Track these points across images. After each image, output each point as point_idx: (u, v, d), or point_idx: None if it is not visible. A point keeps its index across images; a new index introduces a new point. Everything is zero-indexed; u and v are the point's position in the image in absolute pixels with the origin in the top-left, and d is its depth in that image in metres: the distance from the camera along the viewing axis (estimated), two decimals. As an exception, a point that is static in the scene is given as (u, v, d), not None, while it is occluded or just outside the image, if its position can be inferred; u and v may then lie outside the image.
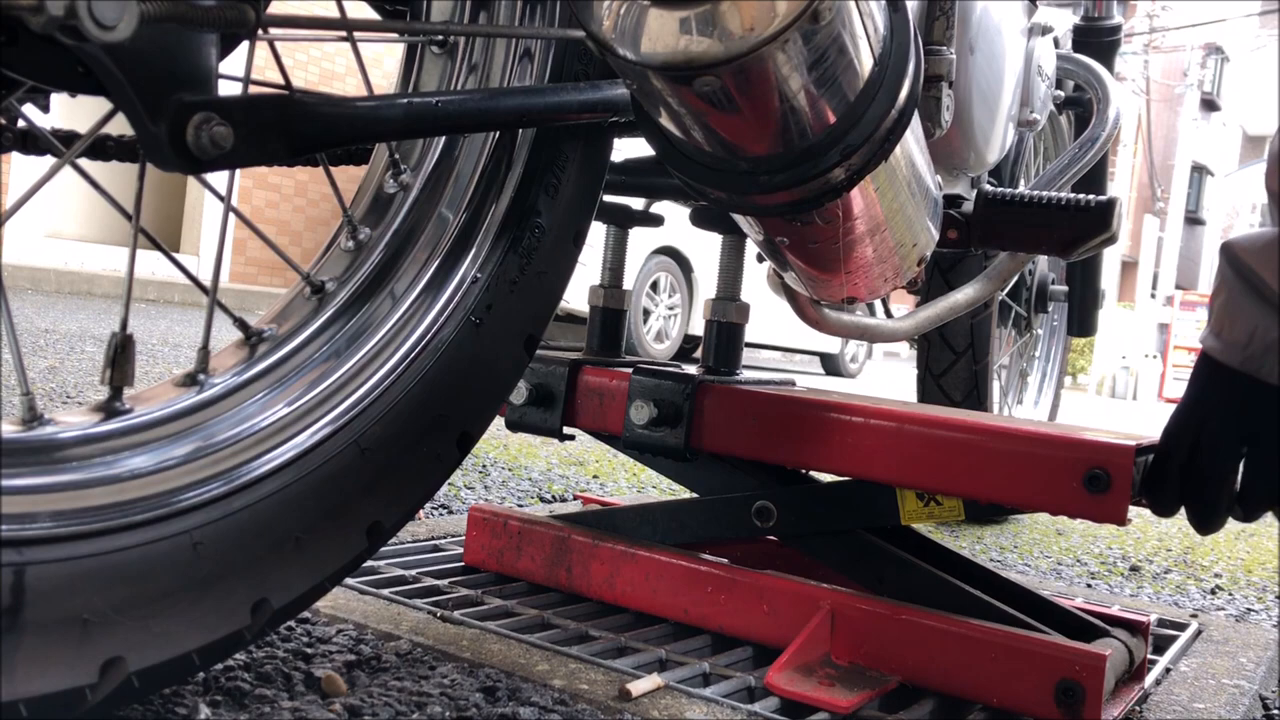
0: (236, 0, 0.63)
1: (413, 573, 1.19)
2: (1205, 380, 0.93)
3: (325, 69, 10.43)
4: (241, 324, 0.81)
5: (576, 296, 5.48)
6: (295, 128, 0.69)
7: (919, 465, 0.98)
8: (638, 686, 0.90)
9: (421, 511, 1.58)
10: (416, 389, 0.84)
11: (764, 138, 0.67)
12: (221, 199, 0.78)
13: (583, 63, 0.92)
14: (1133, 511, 0.92)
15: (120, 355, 0.70)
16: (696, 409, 1.09)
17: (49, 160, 0.78)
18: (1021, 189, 1.24)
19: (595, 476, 2.27)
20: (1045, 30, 1.32)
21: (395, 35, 0.98)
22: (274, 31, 0.73)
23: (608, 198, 1.28)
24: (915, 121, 0.80)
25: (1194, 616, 1.45)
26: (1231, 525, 2.60)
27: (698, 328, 7.47)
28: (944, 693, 0.97)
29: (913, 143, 0.81)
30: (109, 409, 0.70)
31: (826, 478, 1.09)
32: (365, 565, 1.17)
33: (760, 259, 1.01)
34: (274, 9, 0.74)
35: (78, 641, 0.62)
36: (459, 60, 0.93)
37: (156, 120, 0.63)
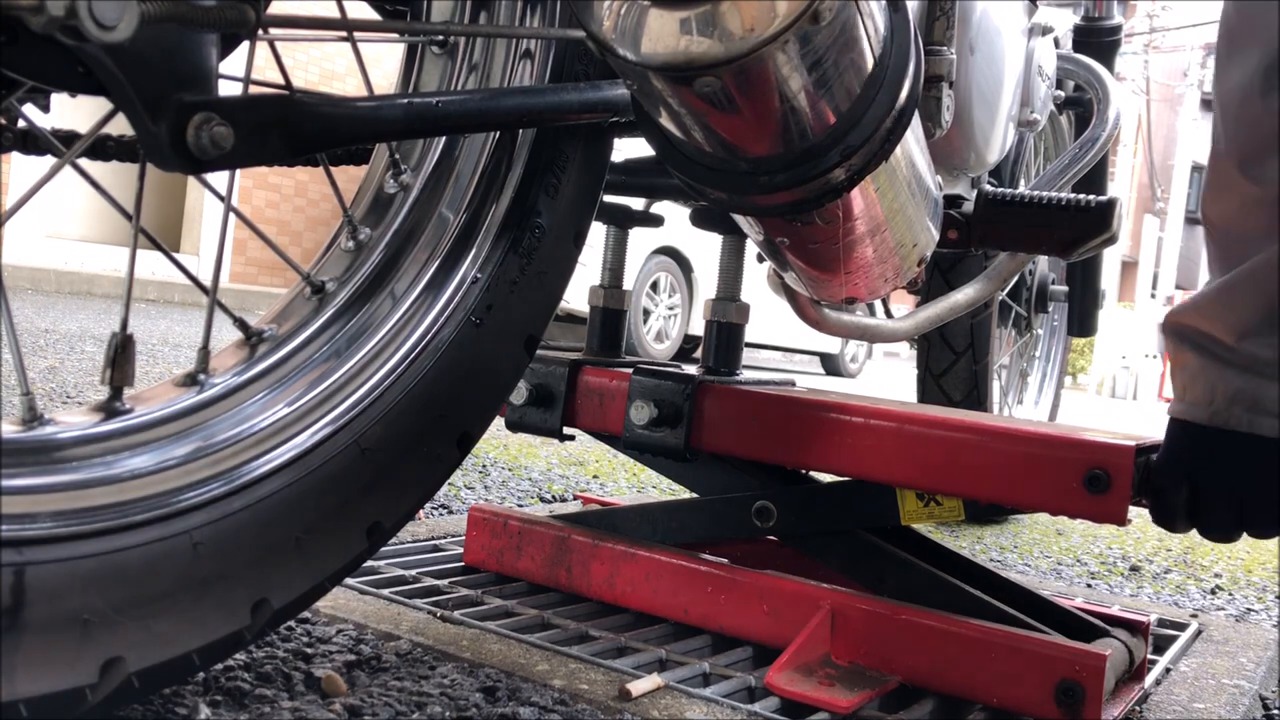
0: (236, 0, 0.63)
1: (413, 573, 1.19)
2: (1181, 440, 0.94)
3: (325, 69, 10.43)
4: (242, 324, 0.81)
5: (576, 296, 5.48)
6: (295, 128, 0.69)
7: (919, 465, 0.98)
8: (638, 686, 0.90)
9: (421, 511, 1.58)
10: (417, 389, 0.84)
11: (764, 138, 0.67)
12: (222, 199, 0.78)
13: (583, 63, 0.92)
14: (1133, 512, 0.92)
15: (120, 355, 0.70)
16: (696, 409, 1.09)
17: (49, 160, 0.78)
18: (1022, 189, 1.24)
19: (595, 476, 2.27)
20: (1045, 30, 1.32)
21: (395, 35, 0.98)
22: (274, 31, 0.73)
23: (608, 198, 1.28)
24: (915, 122, 0.80)
25: (1194, 616, 1.45)
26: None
27: (698, 328, 7.47)
28: (944, 693, 0.97)
29: (913, 143, 0.81)
30: (109, 409, 0.70)
31: (827, 478, 1.09)
32: (365, 565, 1.17)
33: (760, 259, 1.01)
34: (274, 9, 0.74)
35: (78, 641, 0.62)
36: (459, 60, 0.93)
37: (157, 120, 0.63)
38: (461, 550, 1.29)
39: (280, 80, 0.75)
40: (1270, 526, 0.91)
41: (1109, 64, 1.76)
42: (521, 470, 2.20)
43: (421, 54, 0.95)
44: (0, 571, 0.58)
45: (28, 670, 0.59)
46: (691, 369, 1.16)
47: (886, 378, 11.18)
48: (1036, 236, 1.15)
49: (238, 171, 0.71)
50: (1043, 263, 2.20)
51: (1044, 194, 1.13)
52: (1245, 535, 0.93)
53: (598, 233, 1.21)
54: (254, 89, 0.72)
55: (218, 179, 0.99)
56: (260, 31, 0.68)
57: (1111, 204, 1.09)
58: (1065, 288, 2.23)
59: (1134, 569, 1.94)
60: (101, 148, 0.88)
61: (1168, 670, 1.17)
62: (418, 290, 0.87)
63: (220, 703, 0.79)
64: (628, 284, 1.33)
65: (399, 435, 0.83)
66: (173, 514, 0.68)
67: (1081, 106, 1.82)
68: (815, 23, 0.57)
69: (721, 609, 1.08)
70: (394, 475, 0.83)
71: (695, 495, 1.21)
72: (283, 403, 0.78)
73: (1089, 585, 1.74)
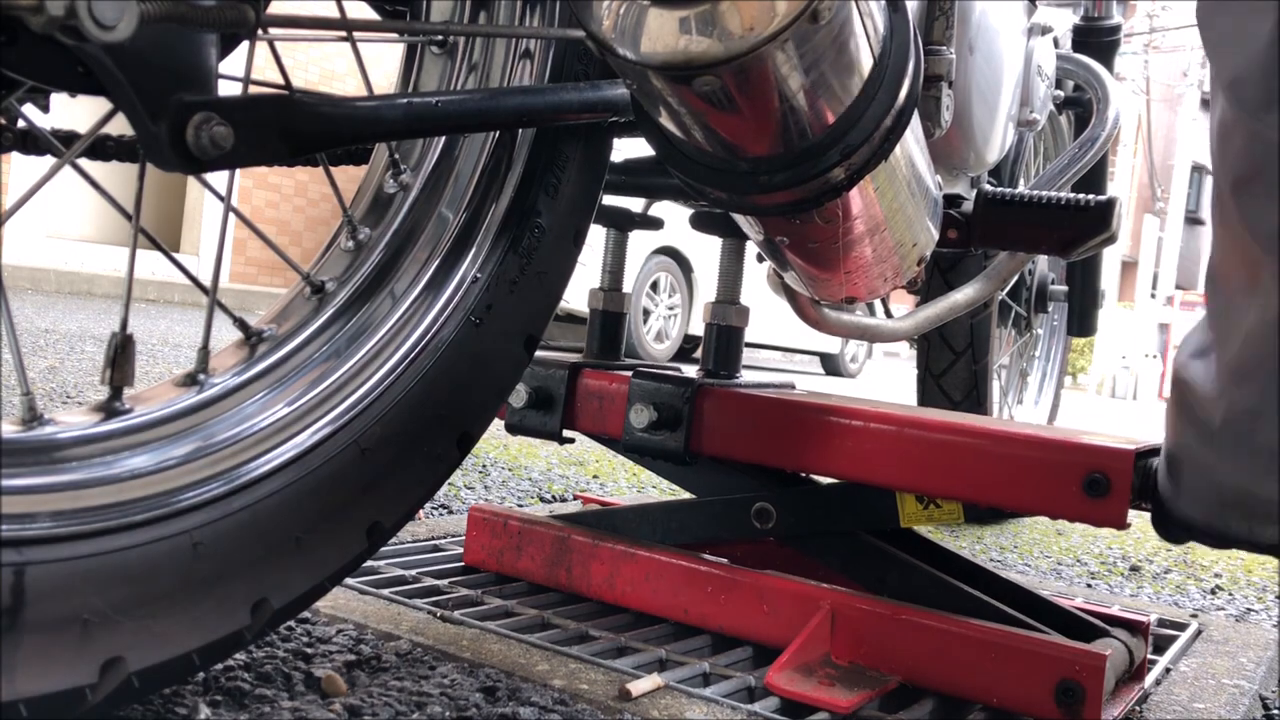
0: (236, 0, 0.63)
1: (413, 573, 1.19)
2: (1183, 529, 0.90)
3: (326, 69, 10.43)
4: (241, 324, 0.81)
5: (576, 296, 5.48)
6: (295, 128, 0.69)
7: (918, 469, 0.98)
8: (638, 686, 0.90)
9: (421, 511, 1.58)
10: (416, 389, 0.84)
11: (764, 137, 0.67)
12: (221, 199, 0.78)
13: (582, 63, 0.92)
14: (1132, 514, 0.92)
15: (120, 355, 0.70)
16: (696, 412, 1.09)
17: (49, 160, 0.78)
18: (1021, 189, 1.24)
19: (595, 476, 2.27)
20: (1045, 30, 1.32)
21: (395, 35, 0.98)
22: (274, 31, 0.73)
23: (608, 201, 1.28)
24: (915, 121, 0.80)
25: (1194, 616, 1.45)
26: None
27: (698, 328, 7.47)
28: (944, 693, 0.97)
29: (912, 142, 0.81)
30: (109, 409, 0.70)
31: (827, 480, 1.09)
32: (365, 565, 1.17)
33: (760, 259, 1.01)
34: (274, 9, 0.74)
35: (78, 641, 0.62)
36: (459, 60, 0.93)
37: (156, 120, 0.63)
38: (461, 550, 1.29)
39: (280, 80, 0.75)
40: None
41: (1108, 64, 1.76)
42: (521, 470, 2.20)
43: (421, 54, 0.95)
44: (0, 571, 0.58)
45: (28, 670, 0.59)
46: (691, 372, 1.16)
47: (886, 378, 11.18)
48: (1036, 236, 1.15)
49: (237, 171, 0.71)
50: (1042, 262, 2.20)
51: (1043, 193, 1.13)
52: None
53: (597, 234, 1.21)
54: (253, 89, 0.72)
55: (217, 179, 0.99)
56: (260, 31, 0.68)
57: (1111, 203, 1.09)
58: (1065, 287, 2.22)
59: (1134, 569, 1.94)
60: (101, 148, 0.88)
61: (1168, 670, 1.17)
62: (417, 290, 0.87)
63: (220, 703, 0.79)
64: (628, 284, 1.33)
65: (399, 435, 0.83)
66: (172, 514, 0.68)
67: (1081, 106, 1.82)
68: (814, 22, 0.57)
69: (721, 609, 1.08)
70: (394, 475, 0.83)
71: (695, 496, 1.21)
72: (282, 402, 0.78)
73: (1089, 585, 1.74)
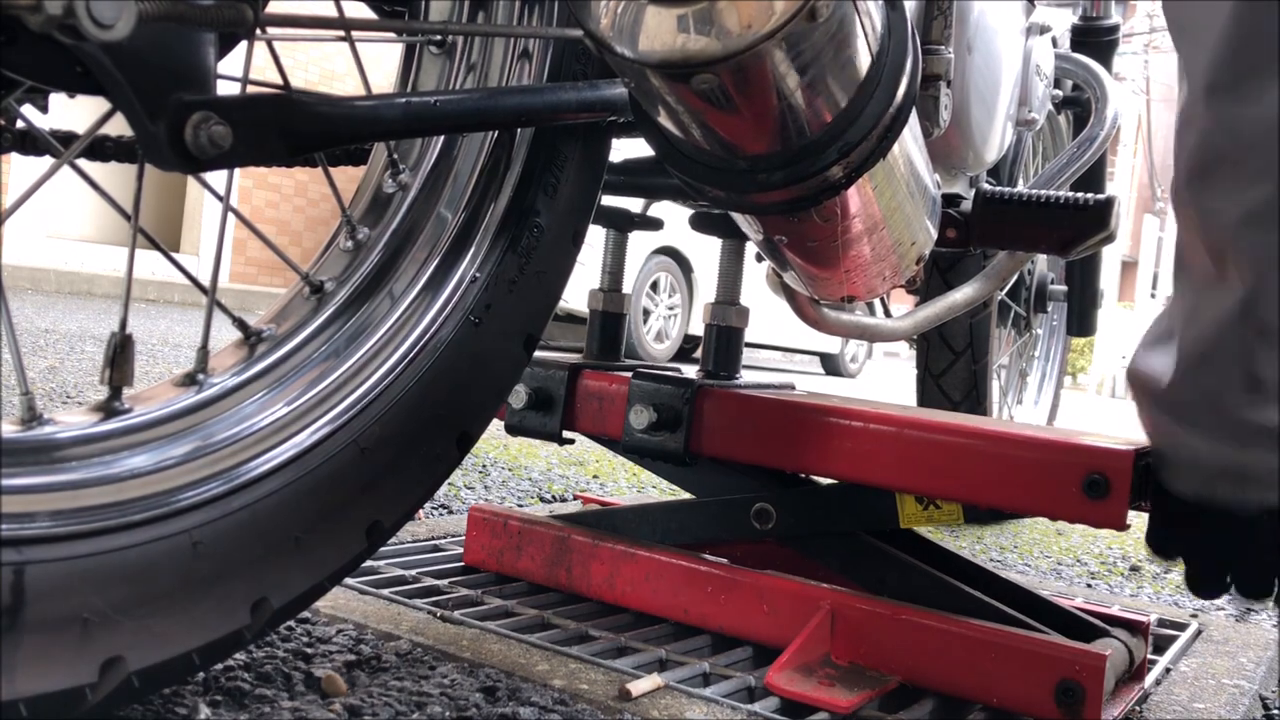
0: (234, 0, 0.63)
1: (413, 573, 1.19)
2: (1170, 510, 0.91)
3: (325, 69, 10.43)
4: (241, 324, 0.81)
5: (576, 296, 5.48)
6: (293, 127, 0.69)
7: (918, 470, 0.98)
8: (638, 686, 0.90)
9: (421, 511, 1.58)
10: (416, 388, 0.84)
11: (762, 136, 0.67)
12: (220, 199, 0.78)
13: (581, 62, 0.92)
14: (1132, 514, 0.92)
15: (120, 355, 0.70)
16: (696, 413, 1.09)
17: (48, 160, 0.78)
18: (1020, 188, 1.24)
19: (595, 476, 2.27)
20: (1043, 30, 1.32)
21: (393, 35, 0.98)
22: (272, 31, 0.73)
23: (607, 201, 1.28)
24: (913, 120, 0.80)
25: (1194, 616, 1.45)
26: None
27: (697, 328, 7.47)
28: (944, 693, 0.97)
29: (911, 141, 0.81)
30: (108, 409, 0.70)
31: (826, 481, 1.09)
32: (365, 565, 1.17)
33: (760, 259, 1.01)
34: (272, 8, 0.74)
35: (77, 641, 0.62)
36: (457, 60, 0.93)
37: (155, 120, 0.63)
38: (461, 550, 1.29)
39: (278, 79, 0.75)
40: (1260, 594, 0.89)
41: (1107, 63, 1.76)
42: (521, 470, 2.20)
43: (420, 54, 0.95)
44: (0, 570, 0.58)
45: (28, 669, 0.59)
46: (691, 372, 1.16)
47: (886, 378, 11.18)
48: (1035, 235, 1.15)
49: (237, 171, 0.71)
50: (1041, 262, 2.20)
51: (1042, 193, 1.13)
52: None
53: (597, 235, 1.21)
54: (252, 88, 0.72)
55: (216, 179, 0.99)
56: (258, 31, 0.68)
57: (1109, 202, 1.09)
58: (1064, 287, 2.22)
59: (1134, 569, 1.94)
60: (100, 148, 0.88)
61: (1168, 670, 1.17)
62: (416, 290, 0.87)
63: (220, 703, 0.79)
64: (628, 285, 1.34)
65: (398, 435, 0.83)
66: (172, 513, 0.68)
67: (1079, 106, 1.82)
68: (812, 20, 0.57)
69: (721, 609, 1.08)
70: (393, 475, 0.83)
71: (695, 497, 1.21)
72: (282, 402, 0.78)
73: (1089, 585, 1.74)
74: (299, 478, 0.76)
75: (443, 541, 1.36)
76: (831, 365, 10.18)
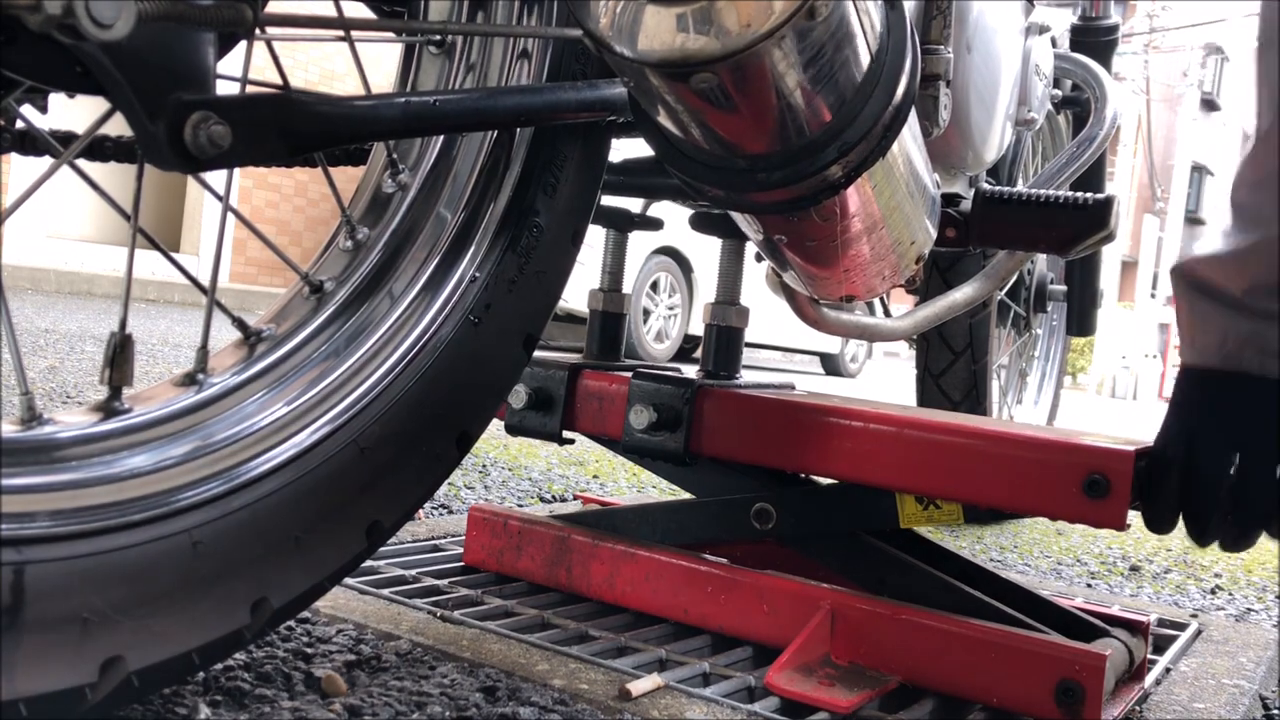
0: (234, 0, 0.63)
1: (413, 573, 1.19)
2: (1188, 388, 0.95)
3: (325, 69, 10.44)
4: (240, 324, 0.81)
5: (576, 296, 5.48)
6: (293, 127, 0.69)
7: (918, 470, 0.98)
8: (638, 686, 0.90)
9: (421, 511, 1.58)
10: (415, 388, 0.84)
11: (761, 135, 0.67)
12: (220, 199, 0.78)
13: (580, 62, 0.92)
14: (1132, 515, 0.92)
15: (119, 355, 0.70)
16: (696, 413, 1.09)
17: (48, 160, 0.78)
18: (1020, 188, 1.24)
19: (595, 476, 2.27)
20: (1043, 29, 1.32)
21: (393, 35, 0.98)
22: (271, 31, 0.73)
23: (607, 202, 1.28)
24: (913, 120, 0.80)
25: (1194, 616, 1.45)
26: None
27: (697, 328, 7.48)
28: (944, 693, 0.97)
29: (910, 141, 0.81)
30: (108, 409, 0.70)
31: (826, 481, 1.09)
32: (365, 565, 1.17)
33: (759, 258, 1.01)
34: (271, 8, 0.74)
35: (77, 641, 0.62)
36: (457, 60, 0.93)
37: (154, 119, 0.63)
38: (461, 550, 1.29)
39: (278, 79, 0.75)
40: (1258, 515, 0.90)
41: (1106, 63, 1.76)
42: (521, 470, 2.20)
43: (419, 53, 0.95)
44: (0, 570, 0.58)
45: (27, 669, 0.59)
46: (691, 372, 1.16)
47: (886, 378, 11.18)
48: (1034, 235, 1.15)
49: (237, 171, 0.71)
50: (1041, 262, 2.20)
51: (1042, 192, 1.13)
52: (1234, 519, 0.92)
53: (597, 235, 1.21)
54: (251, 88, 0.72)
55: (216, 178, 0.99)
56: (257, 30, 0.68)
57: (1109, 202, 1.09)
58: (1064, 287, 2.22)
59: (1134, 569, 1.94)
60: (99, 148, 0.88)
61: (1168, 670, 1.17)
62: (416, 289, 0.87)
63: (220, 703, 0.79)
64: (628, 285, 1.34)
65: (397, 434, 0.83)
66: (172, 513, 0.68)
67: (1079, 105, 1.82)
68: (811, 19, 0.57)
69: (721, 609, 1.08)
70: (393, 474, 0.83)
71: (695, 497, 1.21)
72: (281, 402, 0.78)
73: (1089, 585, 1.74)
74: (299, 477, 0.76)
75: (443, 541, 1.36)
76: (831, 365, 10.18)
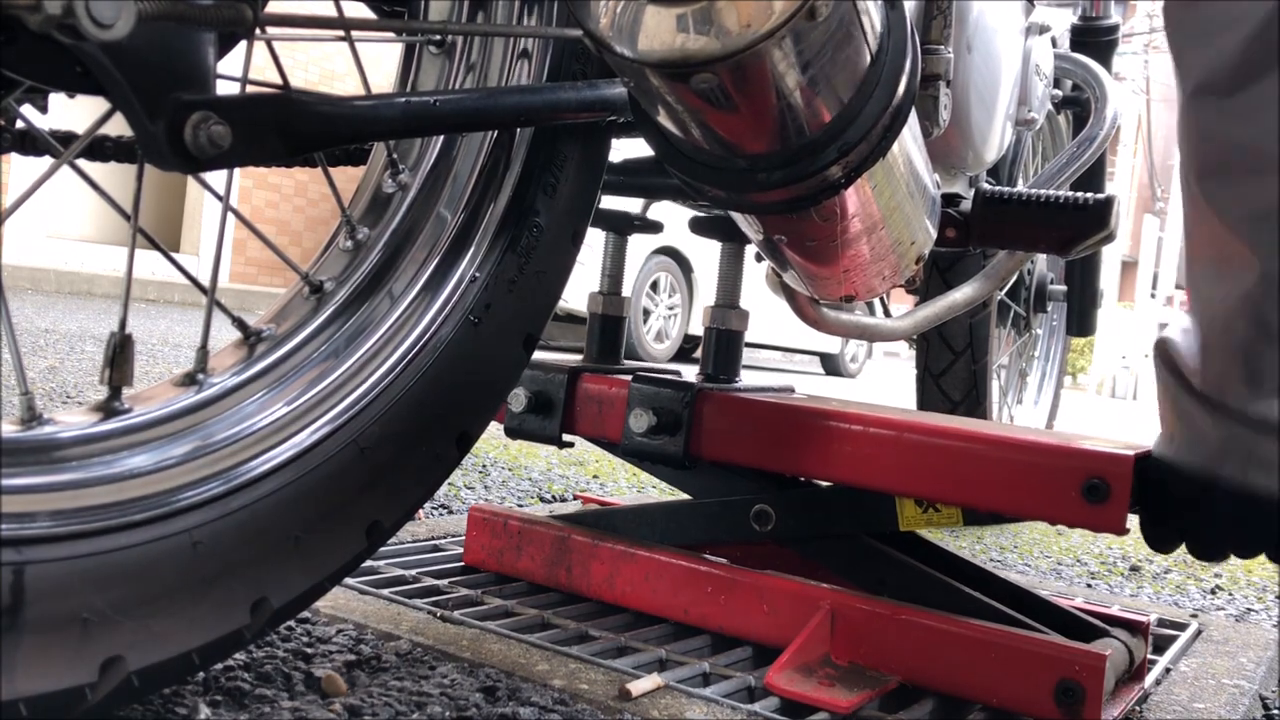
0: (234, 0, 0.63)
1: (413, 573, 1.19)
2: (1168, 490, 0.90)
3: (325, 69, 10.43)
4: (240, 324, 0.81)
5: (576, 296, 5.49)
6: (293, 127, 0.69)
7: (917, 474, 0.98)
8: (638, 686, 0.90)
9: (421, 511, 1.58)
10: (415, 388, 0.84)
11: (761, 135, 0.67)
12: (220, 199, 0.78)
13: (580, 62, 0.92)
14: (1132, 518, 0.92)
15: (119, 355, 0.70)
16: (696, 417, 1.09)
17: (48, 160, 0.78)
18: (1020, 188, 1.24)
19: (595, 476, 2.27)
20: (1043, 29, 1.32)
21: (393, 35, 0.98)
22: (272, 31, 0.73)
23: (607, 204, 1.28)
24: (913, 120, 0.80)
25: (1194, 616, 1.45)
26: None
27: (697, 328, 7.48)
28: (944, 693, 0.97)
29: (910, 141, 0.81)
30: (108, 409, 0.70)
31: (826, 483, 1.09)
32: (365, 565, 1.17)
33: (759, 258, 1.01)
34: (271, 8, 0.74)
35: (77, 641, 0.62)
36: (457, 60, 0.93)
37: (154, 119, 0.63)
38: (461, 550, 1.29)
39: (278, 79, 0.75)
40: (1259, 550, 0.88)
41: (1106, 63, 1.75)
42: (521, 470, 2.20)
43: (419, 53, 0.95)
44: (0, 570, 0.58)
45: (27, 669, 0.59)
46: (691, 376, 1.15)
47: (886, 378, 11.18)
48: (1035, 235, 1.15)
49: (237, 171, 0.71)
50: (1041, 262, 2.20)
51: (1042, 192, 1.13)
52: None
53: (597, 236, 1.21)
54: (251, 88, 0.72)
55: (216, 178, 0.99)
56: (258, 30, 0.68)
57: (1109, 202, 1.09)
58: (1064, 287, 2.22)
59: (1134, 569, 1.94)
60: (99, 148, 0.88)
61: (1168, 670, 1.17)
62: (416, 289, 0.87)
63: (220, 703, 0.79)
64: (628, 285, 1.34)
65: (397, 434, 0.83)
66: (172, 513, 0.68)
67: (1079, 105, 1.81)
68: (812, 19, 0.57)
69: (721, 609, 1.08)
70: (393, 475, 0.83)
71: (695, 498, 1.21)
72: (281, 402, 0.78)
73: (1089, 585, 1.73)
74: (299, 478, 0.76)
75: (443, 541, 1.36)
76: (831, 365, 10.18)
